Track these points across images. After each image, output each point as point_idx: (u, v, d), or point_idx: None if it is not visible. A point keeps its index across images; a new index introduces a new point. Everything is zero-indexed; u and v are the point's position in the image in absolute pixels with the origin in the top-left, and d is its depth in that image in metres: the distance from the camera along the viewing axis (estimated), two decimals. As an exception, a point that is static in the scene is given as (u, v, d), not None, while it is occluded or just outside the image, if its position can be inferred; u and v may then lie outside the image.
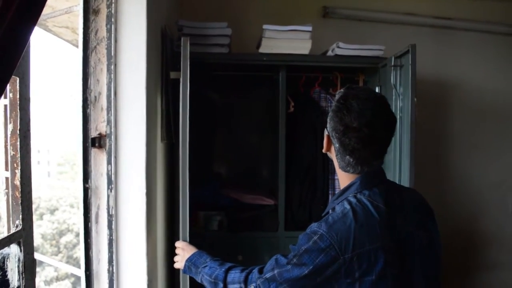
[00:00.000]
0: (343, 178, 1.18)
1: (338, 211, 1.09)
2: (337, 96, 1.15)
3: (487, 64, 2.88)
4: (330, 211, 1.13)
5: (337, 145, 1.13)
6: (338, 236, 1.03)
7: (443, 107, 2.86)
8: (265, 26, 2.04)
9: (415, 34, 2.75)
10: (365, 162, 1.12)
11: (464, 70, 2.85)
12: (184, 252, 1.43)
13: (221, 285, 1.23)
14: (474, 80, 2.86)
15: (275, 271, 1.10)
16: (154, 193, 1.61)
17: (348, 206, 1.08)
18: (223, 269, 1.25)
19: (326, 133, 1.18)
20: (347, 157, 1.11)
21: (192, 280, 1.43)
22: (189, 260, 1.38)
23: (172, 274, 1.97)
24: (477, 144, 2.91)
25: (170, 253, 1.96)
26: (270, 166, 2.53)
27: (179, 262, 1.43)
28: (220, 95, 2.53)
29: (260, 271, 1.16)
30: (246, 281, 1.18)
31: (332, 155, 1.19)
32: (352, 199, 1.10)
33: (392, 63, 1.97)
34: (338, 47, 2.10)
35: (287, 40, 2.06)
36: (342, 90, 1.16)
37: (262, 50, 2.08)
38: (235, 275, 1.22)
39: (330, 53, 2.17)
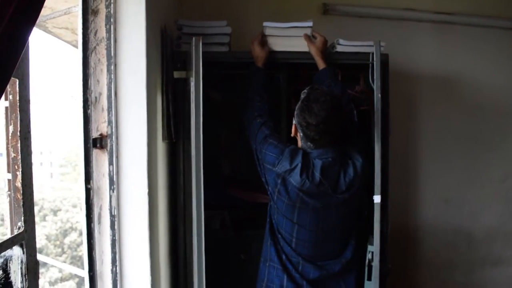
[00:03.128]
0: None
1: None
2: (302, 96, 1.58)
3: (488, 59, 2.87)
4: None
5: (301, 134, 1.60)
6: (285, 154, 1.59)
7: (444, 102, 2.84)
8: (265, 24, 2.03)
9: (415, 30, 2.74)
10: (321, 147, 1.57)
11: (466, 65, 2.83)
12: (257, 51, 1.93)
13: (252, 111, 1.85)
14: (476, 75, 2.84)
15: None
16: (156, 193, 1.61)
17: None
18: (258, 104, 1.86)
19: (294, 122, 1.63)
20: (309, 143, 1.59)
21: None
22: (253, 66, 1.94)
23: (176, 274, 1.97)
24: (480, 139, 2.89)
25: (173, 252, 1.96)
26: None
27: (254, 50, 1.94)
28: (221, 94, 2.52)
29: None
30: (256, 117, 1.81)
31: (298, 138, 1.65)
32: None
33: (370, 60, 1.96)
34: (338, 43, 2.09)
35: (287, 38, 2.05)
36: (306, 90, 1.58)
37: (262, 48, 2.07)
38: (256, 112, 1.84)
39: (330, 50, 2.16)
